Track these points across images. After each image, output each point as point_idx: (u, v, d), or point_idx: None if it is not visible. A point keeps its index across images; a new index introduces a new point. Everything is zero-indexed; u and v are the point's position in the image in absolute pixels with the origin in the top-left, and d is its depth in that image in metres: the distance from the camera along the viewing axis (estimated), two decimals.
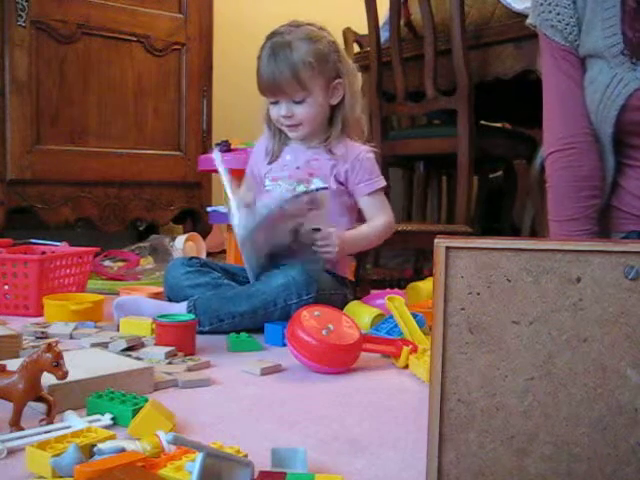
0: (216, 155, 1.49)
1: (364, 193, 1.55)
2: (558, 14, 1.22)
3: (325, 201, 1.38)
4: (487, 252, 0.60)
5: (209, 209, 2.23)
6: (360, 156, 1.54)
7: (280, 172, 1.57)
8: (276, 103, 1.51)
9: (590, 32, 1.20)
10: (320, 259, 1.45)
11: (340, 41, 2.94)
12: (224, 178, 1.42)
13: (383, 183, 1.57)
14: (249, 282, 1.48)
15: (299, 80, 1.46)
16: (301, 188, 1.52)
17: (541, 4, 1.24)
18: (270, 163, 1.59)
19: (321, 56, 1.49)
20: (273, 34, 1.50)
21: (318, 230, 1.41)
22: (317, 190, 1.37)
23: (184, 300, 1.42)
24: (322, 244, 1.42)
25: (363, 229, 1.54)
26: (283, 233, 1.42)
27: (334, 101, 1.53)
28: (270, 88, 1.48)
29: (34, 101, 2.35)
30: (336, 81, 1.52)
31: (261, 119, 1.61)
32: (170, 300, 1.52)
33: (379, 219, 1.55)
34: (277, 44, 1.47)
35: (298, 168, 1.54)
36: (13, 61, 2.29)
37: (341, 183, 1.55)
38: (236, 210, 1.36)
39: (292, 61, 1.45)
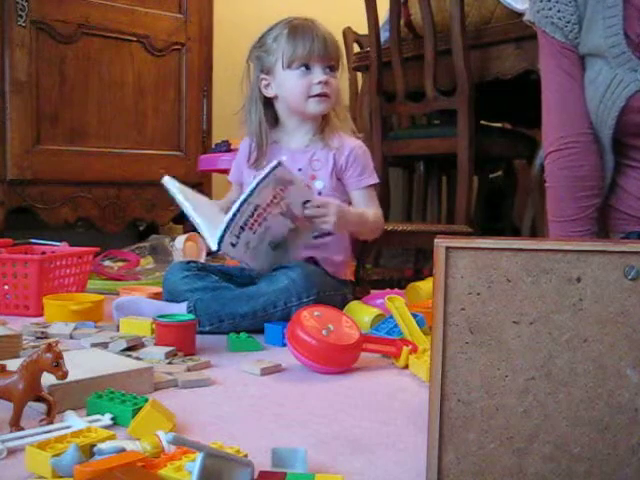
0: (168, 182, 1.44)
1: (356, 187, 1.55)
2: (559, 11, 1.21)
3: (288, 175, 1.32)
4: (487, 252, 0.60)
5: None
6: (355, 150, 1.55)
7: None
8: (308, 69, 1.49)
9: (591, 31, 1.20)
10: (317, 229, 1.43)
11: (340, 41, 2.95)
12: (184, 205, 1.38)
13: (375, 180, 1.57)
14: (247, 284, 1.48)
15: (338, 47, 1.52)
16: None
17: (541, 0, 1.23)
18: (259, 164, 1.56)
19: None
20: (282, 21, 1.52)
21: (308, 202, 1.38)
22: (272, 170, 1.29)
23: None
24: (319, 213, 1.38)
25: (360, 211, 1.52)
26: (278, 225, 1.39)
27: None
28: (318, 49, 1.48)
29: (34, 101, 2.35)
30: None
31: (246, 120, 1.57)
32: None
33: (371, 210, 1.55)
34: (304, 21, 1.51)
35: (300, 170, 1.54)
36: (13, 61, 2.29)
37: (339, 179, 1.55)
38: (205, 229, 1.32)
39: (328, 30, 1.51)
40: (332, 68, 1.51)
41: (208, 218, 1.37)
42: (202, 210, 1.40)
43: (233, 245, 1.34)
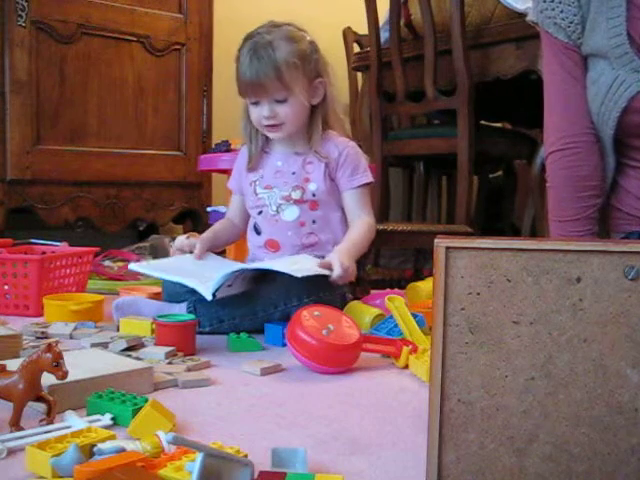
0: (136, 268, 1.48)
1: (347, 188, 1.54)
2: (562, 11, 1.21)
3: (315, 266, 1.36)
4: (487, 252, 0.60)
5: (209, 209, 2.23)
6: (345, 151, 1.54)
7: (273, 179, 1.55)
8: (257, 104, 1.49)
9: (594, 31, 1.20)
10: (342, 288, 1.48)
11: (340, 41, 2.95)
12: (164, 277, 1.43)
13: (367, 179, 1.55)
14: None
15: (282, 79, 1.45)
16: (297, 194, 1.52)
17: (544, 1, 1.23)
18: (255, 170, 1.58)
19: (303, 56, 1.48)
20: (252, 35, 1.48)
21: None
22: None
23: None
24: (342, 280, 1.41)
25: (355, 238, 1.51)
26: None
27: (315, 101, 1.52)
28: (253, 88, 1.46)
29: (34, 101, 2.35)
30: (317, 80, 1.51)
31: (240, 128, 1.59)
32: None
33: (362, 221, 1.53)
34: (258, 44, 1.45)
35: (294, 174, 1.54)
36: (13, 61, 2.29)
37: (332, 180, 1.55)
38: (196, 285, 1.34)
39: (275, 60, 1.44)
40: (280, 100, 1.47)
41: (193, 274, 1.40)
42: (183, 269, 1.44)
43: (229, 285, 1.44)
